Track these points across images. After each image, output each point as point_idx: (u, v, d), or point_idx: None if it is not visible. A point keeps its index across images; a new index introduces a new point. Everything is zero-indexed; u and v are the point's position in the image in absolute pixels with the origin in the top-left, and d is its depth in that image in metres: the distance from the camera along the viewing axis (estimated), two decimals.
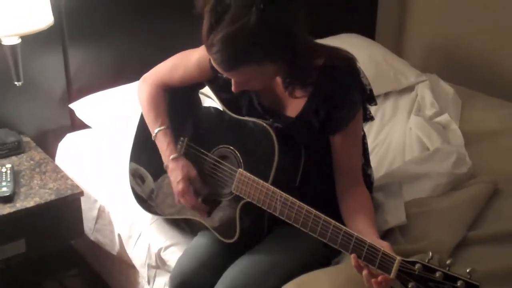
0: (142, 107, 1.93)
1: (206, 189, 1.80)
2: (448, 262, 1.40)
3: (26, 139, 2.38)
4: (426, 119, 2.44)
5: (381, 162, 2.25)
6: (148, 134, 1.92)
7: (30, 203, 2.01)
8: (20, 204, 2.00)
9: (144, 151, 1.99)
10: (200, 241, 1.83)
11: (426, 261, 1.41)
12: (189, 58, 1.84)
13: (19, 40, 2.12)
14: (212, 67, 1.78)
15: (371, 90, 1.74)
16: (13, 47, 2.11)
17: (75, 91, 2.50)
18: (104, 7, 2.45)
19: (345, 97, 1.67)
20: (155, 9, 2.57)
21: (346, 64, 1.69)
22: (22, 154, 2.29)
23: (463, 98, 2.71)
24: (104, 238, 2.21)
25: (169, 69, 1.90)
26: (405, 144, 2.32)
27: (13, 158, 2.27)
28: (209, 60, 1.77)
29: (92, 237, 2.24)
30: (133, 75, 2.47)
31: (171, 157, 1.80)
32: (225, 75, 1.62)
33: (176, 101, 1.91)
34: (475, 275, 1.36)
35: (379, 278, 1.44)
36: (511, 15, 2.90)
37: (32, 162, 2.25)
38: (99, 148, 2.40)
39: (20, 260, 2.36)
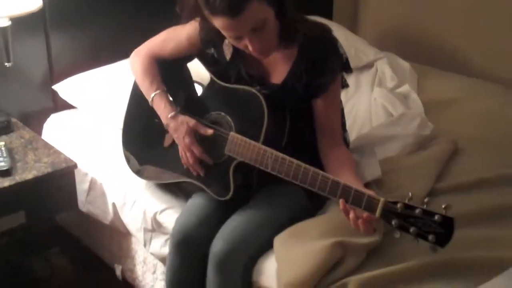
0: (136, 77, 2.07)
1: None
2: (425, 200, 1.59)
3: (13, 119, 2.47)
4: (388, 90, 2.65)
5: (350, 129, 2.40)
6: (141, 103, 2.06)
7: (28, 176, 2.12)
8: (19, 177, 2.11)
9: (137, 120, 2.13)
10: (196, 201, 1.97)
11: (406, 200, 1.60)
12: (180, 32, 1.99)
13: (9, 22, 2.22)
14: (201, 40, 1.94)
15: (347, 59, 1.93)
16: (3, 29, 2.22)
17: (56, 74, 2.61)
18: None
19: (326, 63, 1.85)
20: None
21: (325, 34, 1.87)
22: (12, 133, 2.39)
23: (417, 72, 2.94)
24: (96, 209, 2.33)
25: (160, 42, 2.04)
26: (371, 113, 2.53)
27: (3, 137, 2.36)
28: (198, 33, 1.93)
29: (84, 209, 2.36)
30: (111, 57, 2.63)
31: (170, 115, 1.93)
32: (234, 31, 1.72)
33: (167, 74, 2.05)
34: (450, 211, 1.56)
35: (365, 216, 1.62)
36: None
37: (23, 140, 2.35)
38: (84, 126, 2.52)
39: (7, 240, 2.47)
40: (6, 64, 2.28)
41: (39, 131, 2.56)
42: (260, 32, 1.74)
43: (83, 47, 2.67)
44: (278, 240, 1.80)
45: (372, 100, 2.60)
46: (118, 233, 2.34)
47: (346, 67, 1.93)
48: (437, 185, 2.04)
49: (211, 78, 1.98)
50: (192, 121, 1.92)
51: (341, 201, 1.65)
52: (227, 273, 1.81)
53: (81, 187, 2.33)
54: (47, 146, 2.31)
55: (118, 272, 2.40)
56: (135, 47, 2.62)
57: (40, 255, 2.67)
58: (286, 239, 1.79)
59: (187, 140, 1.91)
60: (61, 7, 2.50)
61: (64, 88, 2.56)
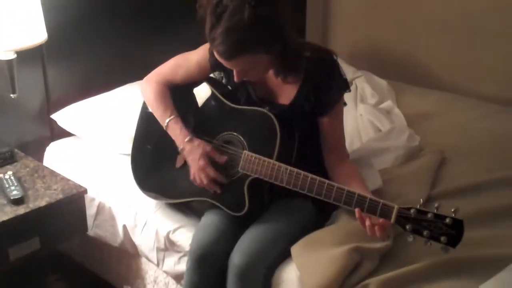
0: (149, 103, 2.16)
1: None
2: (436, 205, 1.74)
3: (15, 149, 2.52)
4: (371, 106, 2.81)
5: None
6: (150, 127, 2.16)
7: (41, 202, 2.17)
8: (33, 204, 2.16)
9: (147, 143, 2.22)
10: (210, 218, 2.07)
11: (418, 206, 1.74)
12: (189, 58, 2.10)
13: (15, 55, 2.28)
14: (211, 65, 2.06)
15: (346, 79, 2.07)
16: (9, 62, 2.28)
17: (53, 103, 2.68)
18: (81, 26, 2.68)
19: (331, 83, 1.99)
20: (119, 29, 2.83)
21: (329, 57, 2.01)
22: (16, 163, 2.43)
23: (393, 89, 3.11)
24: (105, 232, 2.40)
25: (171, 69, 2.15)
26: (359, 128, 2.68)
27: (8, 167, 2.41)
28: (208, 59, 2.05)
29: (91, 233, 2.42)
30: (103, 86, 2.74)
31: (186, 139, 2.04)
32: (227, 65, 1.88)
33: (176, 98, 2.16)
34: (458, 213, 1.71)
35: (381, 221, 1.76)
36: (421, 17, 3.34)
37: (28, 169, 2.40)
38: (85, 152, 2.59)
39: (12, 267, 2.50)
40: (11, 95, 2.34)
41: (39, 160, 2.61)
42: (250, 72, 1.91)
43: (78, 77, 2.75)
44: (295, 249, 1.91)
45: (358, 116, 2.75)
46: (127, 255, 2.41)
47: (346, 87, 2.07)
48: (432, 191, 2.19)
49: (219, 99, 2.09)
50: (208, 147, 2.03)
51: (357, 210, 1.78)
52: (248, 284, 1.90)
53: (88, 212, 2.39)
54: (53, 173, 2.37)
55: None
56: (126, 77, 2.77)
57: (39, 282, 2.71)
58: (303, 248, 1.91)
59: (201, 162, 2.01)
60: (58, 40, 2.56)
61: (62, 117, 2.63)
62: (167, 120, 2.09)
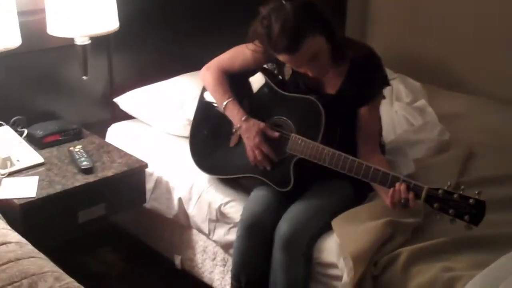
0: (209, 87, 2.42)
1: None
2: (462, 187, 1.96)
3: None
4: (406, 104, 3.05)
5: None
6: (207, 111, 2.44)
7: (108, 173, 2.44)
8: (101, 174, 2.43)
9: (204, 124, 2.49)
10: (260, 192, 2.31)
11: (446, 188, 1.97)
12: (246, 50, 2.34)
13: (89, 41, 2.56)
14: (265, 57, 2.31)
15: (387, 75, 2.30)
16: (84, 47, 2.55)
17: (115, 88, 2.95)
18: (145, 20, 2.97)
19: (374, 76, 2.24)
20: (179, 23, 3.11)
21: (370, 51, 2.25)
22: (82, 139, 2.70)
23: (426, 91, 3.34)
24: (161, 205, 2.66)
25: (229, 58, 2.41)
26: (394, 123, 2.91)
27: (75, 142, 2.67)
28: (263, 52, 2.30)
29: (148, 206, 2.68)
30: (160, 75, 2.99)
31: (243, 118, 2.29)
32: (297, 62, 2.13)
33: (233, 85, 2.41)
34: (482, 195, 1.93)
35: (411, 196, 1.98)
36: (452, 25, 3.56)
37: (94, 145, 2.67)
38: (143, 133, 2.86)
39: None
40: (83, 77, 2.61)
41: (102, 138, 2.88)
42: (316, 60, 2.13)
43: (138, 66, 3.03)
44: (336, 222, 2.15)
45: (393, 113, 2.98)
46: (179, 227, 2.67)
47: (387, 82, 2.31)
48: (460, 180, 2.41)
49: (271, 87, 2.34)
50: (262, 124, 2.27)
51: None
52: (292, 252, 2.14)
53: (147, 186, 2.64)
54: (117, 149, 2.64)
55: (177, 261, 2.71)
56: (181, 68, 3.04)
57: (94, 254, 2.97)
58: (343, 221, 2.15)
59: (257, 139, 2.25)
60: (123, 30, 2.83)
61: (124, 101, 2.90)
62: (225, 102, 2.34)
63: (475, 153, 2.64)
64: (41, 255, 1.86)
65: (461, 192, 1.95)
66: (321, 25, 2.11)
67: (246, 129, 2.29)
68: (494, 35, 3.39)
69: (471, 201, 1.92)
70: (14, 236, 1.95)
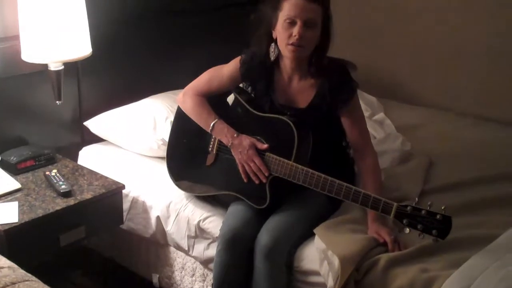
0: (191, 113, 2.48)
1: None
2: (429, 203, 2.08)
3: None
4: (367, 117, 3.19)
5: None
6: (183, 132, 2.53)
7: (87, 195, 2.48)
8: (80, 197, 2.47)
9: (183, 138, 2.56)
10: (237, 207, 2.39)
11: (414, 204, 2.09)
12: (221, 72, 2.45)
13: (62, 66, 2.60)
14: (242, 75, 2.41)
15: (356, 82, 2.42)
16: (58, 72, 2.59)
17: (84, 112, 3.00)
18: (113, 46, 3.02)
19: (345, 83, 2.36)
20: (145, 51, 3.21)
21: (342, 62, 2.39)
22: (56, 163, 2.74)
23: (381, 104, 3.51)
24: (137, 224, 2.71)
25: (205, 81, 2.49)
26: None
27: (50, 167, 2.70)
28: (239, 69, 2.40)
29: (124, 226, 2.73)
30: (128, 98, 3.05)
31: (235, 135, 2.36)
32: (300, 11, 2.23)
33: (212, 107, 2.48)
34: (448, 210, 2.06)
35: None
36: (403, 42, 3.76)
37: (68, 168, 2.71)
38: (115, 155, 2.91)
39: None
40: (57, 102, 2.65)
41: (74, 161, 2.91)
42: (309, 30, 2.25)
43: (107, 90, 3.08)
44: (319, 230, 2.25)
45: None
46: (156, 245, 2.73)
47: (356, 87, 2.41)
48: (424, 187, 2.56)
49: (245, 107, 2.43)
50: (252, 138, 2.36)
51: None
52: (275, 261, 2.23)
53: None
54: (92, 172, 2.68)
55: (155, 280, 2.76)
56: (149, 90, 3.11)
57: (65, 278, 2.98)
58: (326, 230, 2.25)
59: (251, 152, 2.32)
60: (92, 55, 2.89)
61: (94, 124, 2.94)
62: (212, 123, 2.41)
63: (433, 162, 2.80)
64: (34, 278, 1.90)
65: (428, 208, 2.06)
66: (329, 13, 2.29)
67: (238, 144, 2.36)
68: (443, 49, 3.59)
69: (438, 216, 2.03)
70: (4, 261, 1.98)
